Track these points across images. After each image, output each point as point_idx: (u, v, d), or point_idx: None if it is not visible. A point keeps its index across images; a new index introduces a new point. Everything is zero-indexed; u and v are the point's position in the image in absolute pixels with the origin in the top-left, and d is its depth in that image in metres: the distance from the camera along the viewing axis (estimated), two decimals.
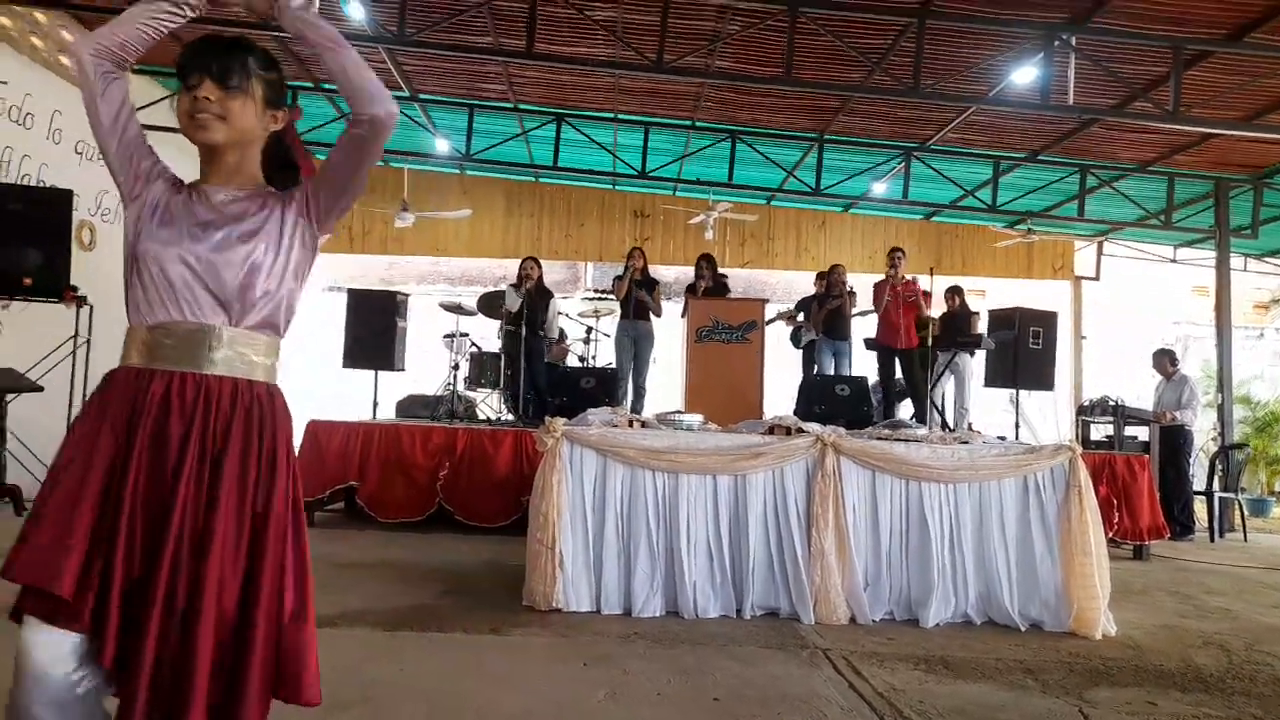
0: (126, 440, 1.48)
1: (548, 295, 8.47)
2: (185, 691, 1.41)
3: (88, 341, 5.98)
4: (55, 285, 5.76)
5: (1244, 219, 10.11)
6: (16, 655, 1.41)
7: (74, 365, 5.91)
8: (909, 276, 8.38)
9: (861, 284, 9.30)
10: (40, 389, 5.78)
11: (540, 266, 8.40)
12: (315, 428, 6.53)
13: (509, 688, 3.03)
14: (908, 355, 8.21)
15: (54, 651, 1.41)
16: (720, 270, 8.94)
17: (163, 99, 9.14)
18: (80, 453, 1.48)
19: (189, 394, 1.52)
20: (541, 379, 8.20)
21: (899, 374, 8.43)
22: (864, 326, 8.91)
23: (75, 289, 5.83)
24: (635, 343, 8.42)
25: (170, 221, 1.58)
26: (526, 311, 8.00)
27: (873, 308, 8.56)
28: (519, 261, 8.51)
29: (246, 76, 1.60)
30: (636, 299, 8.31)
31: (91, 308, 5.94)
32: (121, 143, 1.64)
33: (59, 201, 5.94)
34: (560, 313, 9.34)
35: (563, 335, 9.65)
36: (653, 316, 8.53)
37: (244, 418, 1.55)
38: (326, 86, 9.42)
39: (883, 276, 8.46)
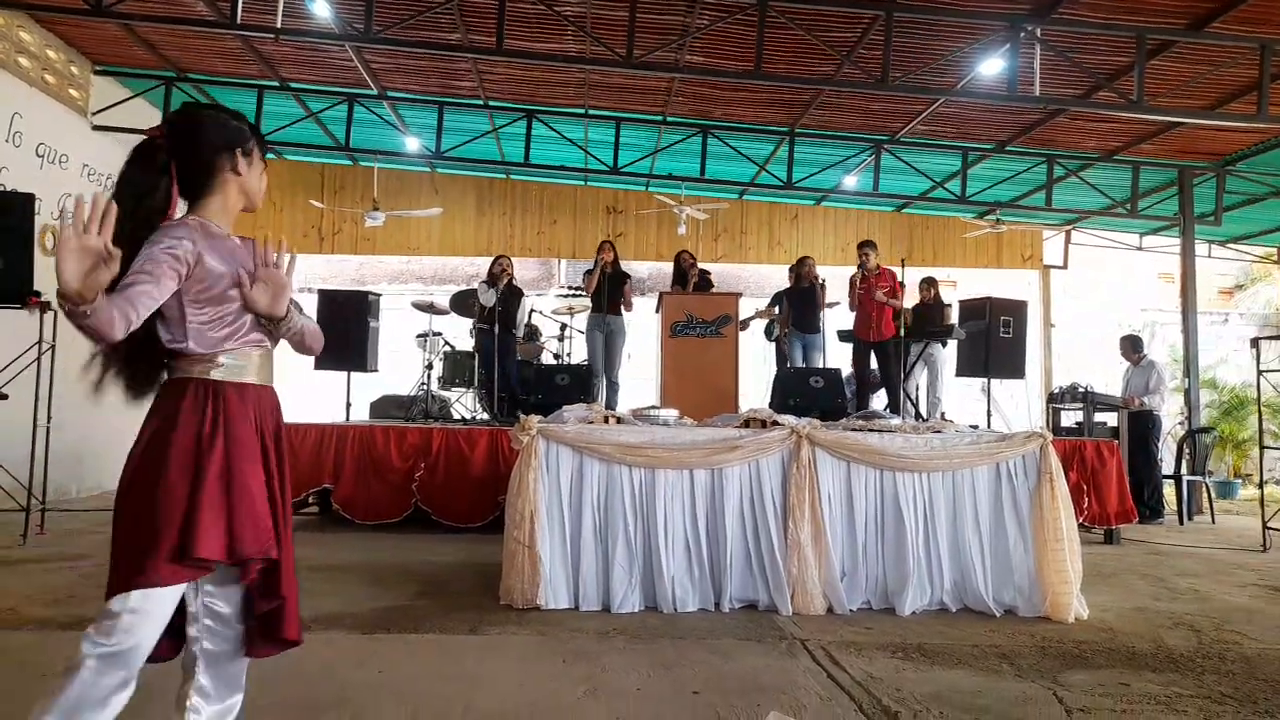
0: (222, 436, 1.88)
1: (519, 293, 8.49)
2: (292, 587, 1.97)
3: (52, 348, 5.87)
4: (18, 291, 5.64)
5: (1207, 206, 10.26)
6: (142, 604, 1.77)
7: (38, 372, 5.80)
8: (885, 267, 8.40)
9: (834, 276, 9.34)
10: (4, 397, 5.67)
11: (513, 265, 8.41)
12: (288, 430, 6.44)
13: (487, 687, 3.02)
14: (882, 347, 8.26)
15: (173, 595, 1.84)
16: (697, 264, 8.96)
17: (126, 99, 9.02)
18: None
19: (265, 401, 2.02)
20: (513, 376, 8.18)
21: (874, 366, 8.48)
22: (837, 319, 8.94)
23: (39, 294, 5.71)
24: (607, 337, 8.41)
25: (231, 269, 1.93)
26: (500, 309, 7.98)
27: (846, 300, 8.59)
28: (491, 259, 8.51)
29: None
30: (610, 297, 8.31)
31: (56, 313, 5.83)
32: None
33: (21, 206, 5.80)
34: (532, 310, 9.34)
35: (535, 333, 9.63)
36: (624, 310, 8.54)
37: (278, 414, 2.07)
38: (294, 86, 9.33)
39: (855, 271, 8.48)
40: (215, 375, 1.90)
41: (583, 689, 3.01)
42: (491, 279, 8.19)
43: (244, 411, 1.93)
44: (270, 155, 13.05)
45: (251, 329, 1.96)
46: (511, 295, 8.25)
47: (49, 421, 5.91)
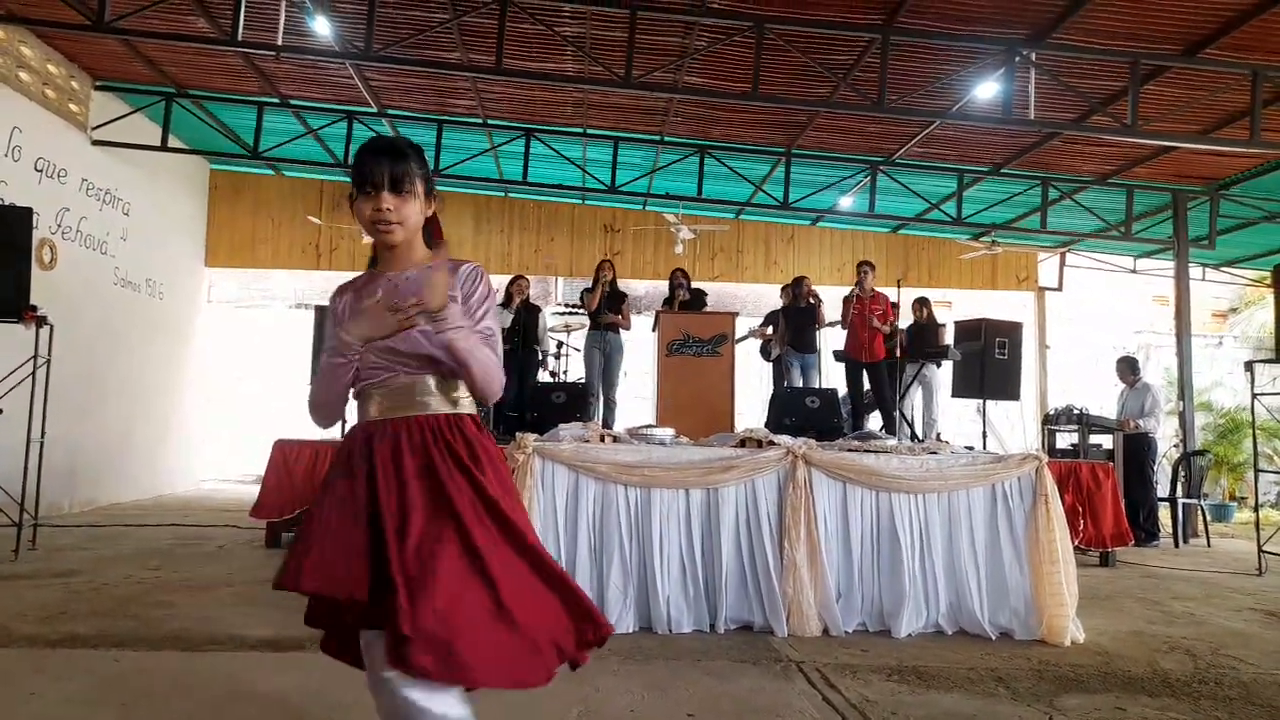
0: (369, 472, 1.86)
1: (536, 310, 8.60)
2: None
3: (47, 362, 5.86)
4: (14, 305, 5.63)
5: (1201, 230, 10.32)
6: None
7: (33, 386, 5.78)
8: (878, 290, 8.47)
9: (830, 296, 9.37)
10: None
11: (529, 284, 8.58)
12: (282, 448, 6.43)
13: (479, 706, 2.99)
14: (875, 368, 8.28)
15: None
16: (692, 284, 8.98)
17: (126, 115, 9.04)
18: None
19: (414, 432, 1.89)
20: (528, 396, 8.15)
21: (866, 386, 8.50)
22: (835, 338, 8.97)
23: (35, 309, 5.70)
24: (606, 355, 8.42)
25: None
26: (520, 329, 8.07)
27: (840, 320, 8.66)
28: (506, 280, 8.64)
29: (413, 180, 1.91)
30: (607, 317, 8.35)
31: (52, 327, 5.83)
32: None
33: (18, 220, 5.80)
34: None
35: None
36: (621, 329, 8.57)
37: (424, 443, 1.89)
38: (294, 103, 9.36)
39: (850, 290, 8.56)
40: (354, 420, 2.00)
41: (576, 710, 2.99)
42: (507, 299, 8.27)
43: (378, 449, 1.89)
44: (268, 171, 12.96)
45: (366, 369, 1.95)
46: (529, 314, 8.38)
47: (43, 436, 5.89)
